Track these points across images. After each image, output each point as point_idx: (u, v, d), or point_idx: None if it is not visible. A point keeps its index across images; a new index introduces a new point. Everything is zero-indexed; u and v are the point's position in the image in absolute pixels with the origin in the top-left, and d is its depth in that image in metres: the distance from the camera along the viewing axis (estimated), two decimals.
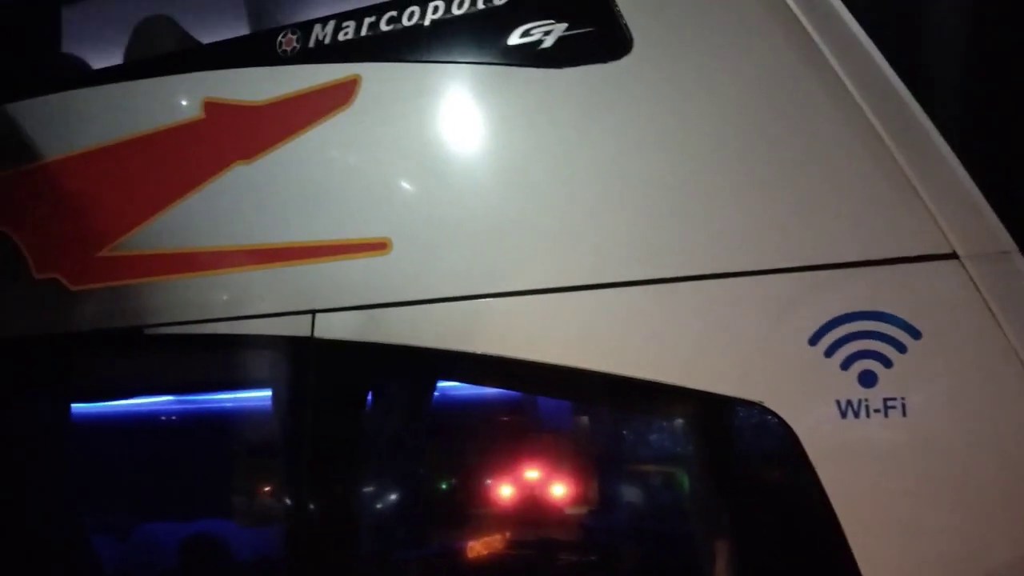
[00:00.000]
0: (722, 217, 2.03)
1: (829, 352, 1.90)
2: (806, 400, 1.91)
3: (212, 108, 2.64)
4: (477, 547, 2.53)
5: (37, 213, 2.87)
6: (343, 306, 2.41)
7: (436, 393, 2.59)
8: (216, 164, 2.59)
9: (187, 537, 3.19)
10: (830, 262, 1.93)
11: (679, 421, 2.19)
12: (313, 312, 2.43)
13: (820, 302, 1.92)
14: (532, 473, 2.50)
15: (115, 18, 3.24)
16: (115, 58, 3.09)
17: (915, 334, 1.85)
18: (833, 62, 1.97)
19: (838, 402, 1.87)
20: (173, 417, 3.31)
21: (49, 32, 3.26)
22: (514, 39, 2.29)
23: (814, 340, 1.91)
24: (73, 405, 3.04)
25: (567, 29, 2.23)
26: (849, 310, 1.90)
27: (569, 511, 2.51)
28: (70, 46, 3.36)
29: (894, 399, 1.84)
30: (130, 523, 3.26)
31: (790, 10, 2.03)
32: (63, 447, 3.06)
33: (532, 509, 2.43)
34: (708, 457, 2.13)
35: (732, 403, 1.98)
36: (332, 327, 2.41)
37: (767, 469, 2.05)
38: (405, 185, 2.43)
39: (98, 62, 3.28)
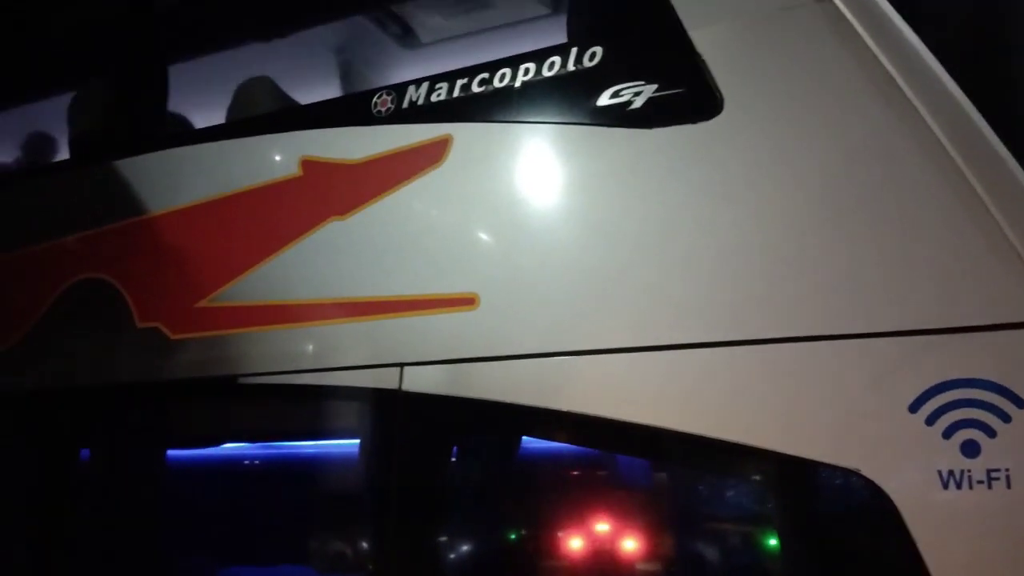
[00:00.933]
0: (818, 279, 2.00)
1: (930, 420, 1.84)
2: (906, 469, 1.85)
3: (309, 166, 2.74)
4: None
5: (141, 264, 3.01)
6: (431, 360, 2.45)
7: (524, 448, 2.59)
8: (312, 220, 2.68)
9: None
10: (932, 327, 1.88)
11: (771, 486, 2.14)
12: (402, 365, 2.47)
13: (921, 368, 1.87)
14: (619, 535, 2.47)
15: (217, 80, 3.40)
16: (217, 117, 3.24)
17: (1020, 403, 1.79)
18: (932, 124, 1.94)
19: (940, 472, 1.81)
20: (262, 464, 3.38)
21: (156, 93, 3.43)
22: (604, 100, 2.32)
23: (915, 407, 1.85)
24: (169, 451, 3.14)
25: (657, 90, 2.25)
26: (951, 377, 1.84)
27: (650, 569, 2.46)
28: (175, 106, 3.53)
29: (998, 470, 1.77)
30: (217, 568, 3.31)
31: (886, 70, 2.01)
32: (157, 491, 3.15)
33: (619, 572, 2.39)
34: (801, 525, 2.07)
35: (827, 469, 1.93)
36: (420, 380, 2.44)
37: (863, 539, 1.97)
38: (493, 242, 2.47)
39: (201, 121, 3.45)
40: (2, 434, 3.18)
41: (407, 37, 3.96)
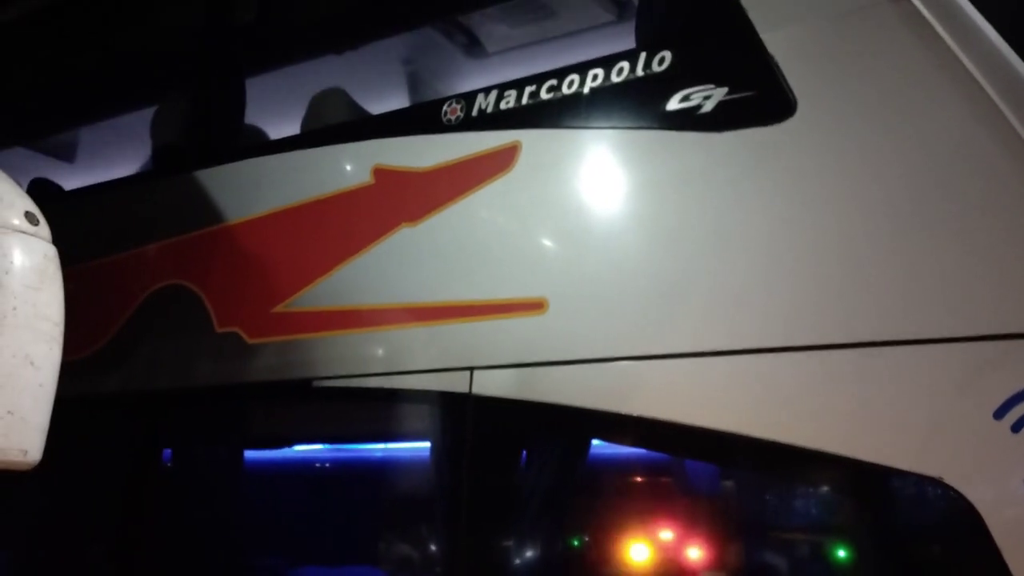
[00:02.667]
0: (900, 283, 1.96)
1: (1017, 427, 1.78)
2: (990, 477, 1.80)
3: (381, 174, 2.80)
4: None
5: (220, 271, 3.10)
6: (500, 364, 2.47)
7: (593, 453, 2.59)
8: (383, 227, 2.73)
9: None
10: (1018, 331, 1.82)
11: (848, 495, 2.10)
12: (471, 369, 2.50)
13: (1007, 374, 1.81)
14: (689, 543, 2.44)
15: (293, 91, 3.50)
16: (293, 129, 3.33)
17: None
18: (1016, 123, 1.89)
19: None
20: (334, 467, 3.44)
21: (234, 106, 3.54)
22: (673, 104, 2.32)
23: (999, 414, 1.79)
24: (245, 452, 3.22)
25: (728, 93, 2.24)
26: None
27: None
28: (253, 118, 3.64)
29: None
30: (289, 568, 3.37)
31: (966, 69, 1.96)
32: (234, 491, 3.23)
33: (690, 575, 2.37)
34: (879, 535, 2.02)
35: (908, 477, 1.88)
36: (489, 384, 2.46)
37: (945, 549, 1.92)
38: (562, 247, 2.48)
39: (277, 133, 3.55)
40: (87, 436, 3.30)
41: (474, 47, 4.01)
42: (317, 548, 3.30)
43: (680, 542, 2.50)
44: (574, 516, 2.67)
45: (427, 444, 2.71)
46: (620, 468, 2.71)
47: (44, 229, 1.65)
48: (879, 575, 2.03)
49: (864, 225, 2.03)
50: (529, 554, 2.53)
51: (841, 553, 2.23)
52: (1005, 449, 1.78)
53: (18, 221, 1.61)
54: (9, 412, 1.52)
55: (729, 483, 2.45)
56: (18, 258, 1.58)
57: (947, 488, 1.82)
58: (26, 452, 1.56)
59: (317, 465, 3.45)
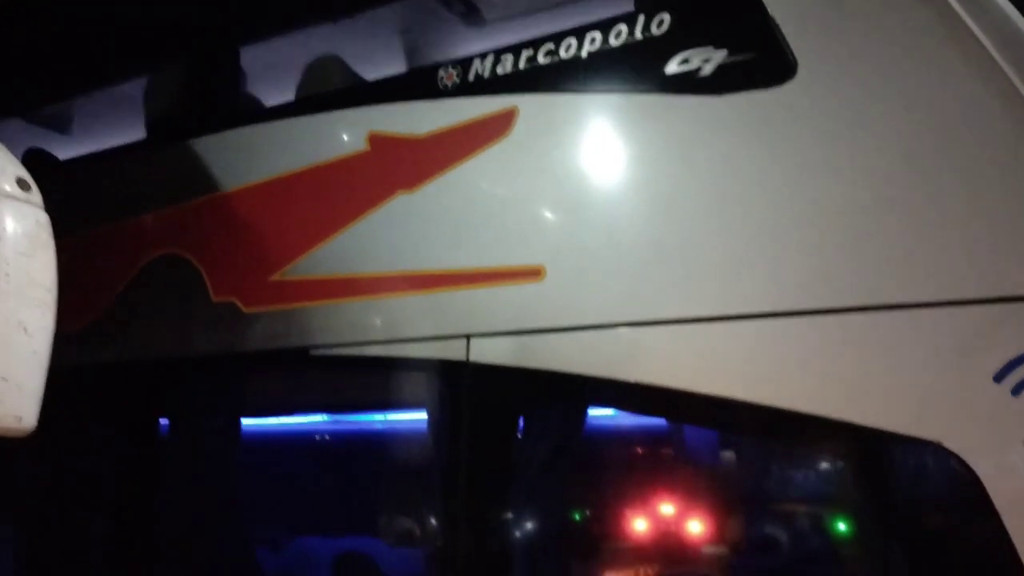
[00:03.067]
0: (900, 247, 1.94)
1: (1017, 390, 1.77)
2: (990, 441, 1.79)
3: (376, 141, 2.77)
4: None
5: (216, 240, 3.08)
6: (498, 331, 2.45)
7: (591, 421, 2.59)
8: (380, 194, 2.71)
9: (340, 553, 3.29)
10: (1018, 294, 1.81)
11: (846, 459, 2.09)
12: (468, 337, 2.49)
13: (1007, 337, 1.81)
14: (690, 509, 2.45)
15: (288, 60, 3.45)
16: (288, 96, 3.29)
17: None
18: (1017, 83, 1.86)
19: None
20: (331, 437, 3.45)
21: (228, 74, 3.50)
22: (672, 67, 2.29)
23: (999, 377, 1.79)
24: (242, 421, 3.21)
25: (727, 56, 2.21)
26: None
27: (723, 548, 2.43)
28: (248, 85, 3.60)
29: None
30: (287, 537, 3.39)
31: (970, 31, 1.93)
32: (232, 460, 3.24)
33: (690, 545, 2.37)
34: (878, 499, 2.02)
35: (906, 442, 1.88)
36: (487, 352, 2.45)
37: (944, 514, 1.92)
38: (560, 213, 2.46)
39: (272, 100, 3.51)
40: (84, 406, 3.30)
41: (471, 15, 3.96)
42: (315, 517, 3.31)
43: (679, 509, 2.51)
44: (573, 484, 2.67)
45: (424, 413, 2.70)
46: (618, 437, 2.71)
47: (36, 195, 1.63)
48: (877, 540, 2.02)
49: (864, 189, 2.01)
50: (528, 522, 2.53)
51: (839, 518, 2.23)
52: (1005, 412, 1.77)
53: (9, 187, 1.59)
54: (3, 378, 1.51)
55: (727, 451, 2.45)
56: (10, 225, 1.56)
57: (946, 452, 1.81)
58: (21, 418, 1.55)
59: (315, 435, 3.45)
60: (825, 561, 2.27)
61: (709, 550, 2.41)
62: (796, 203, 2.09)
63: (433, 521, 2.71)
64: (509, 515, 2.48)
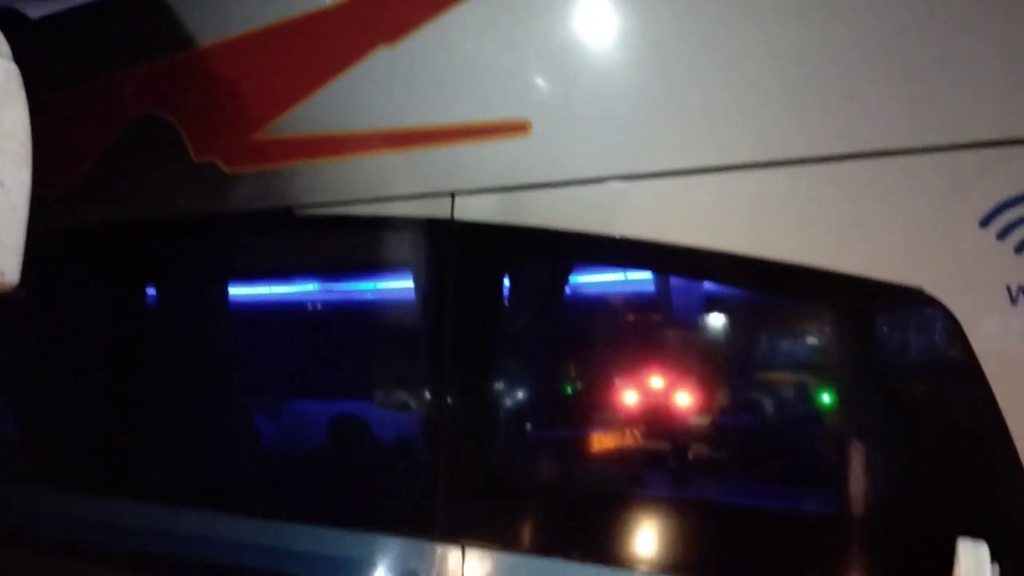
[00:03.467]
0: (885, 92, 1.89)
1: (1002, 234, 1.76)
2: (972, 285, 1.78)
3: None
4: (614, 437, 2.53)
5: (194, 99, 2.99)
6: (483, 188, 2.42)
7: (578, 282, 2.58)
8: (360, 48, 2.61)
9: (333, 416, 3.33)
10: (1008, 138, 1.77)
11: (828, 309, 2.09)
12: (453, 194, 2.45)
13: (994, 181, 1.77)
14: (677, 366, 2.47)
15: None
16: None
17: None
18: None
19: (1008, 288, 1.74)
20: (320, 303, 3.45)
21: None
22: None
23: (986, 221, 1.77)
24: (226, 284, 3.20)
25: None
26: None
27: (703, 407, 2.46)
28: None
29: None
30: (279, 401, 3.43)
31: None
32: (218, 324, 3.24)
33: (675, 401, 2.41)
34: (858, 349, 2.03)
35: (887, 289, 1.87)
36: (472, 209, 2.42)
37: (923, 360, 1.93)
38: (545, 65, 2.37)
39: None
40: (68, 271, 3.29)
41: None
42: (307, 383, 3.35)
43: (664, 368, 2.53)
44: (559, 344, 2.69)
45: (410, 273, 2.69)
46: (603, 299, 2.71)
47: (3, 46, 1.57)
48: (857, 387, 2.04)
49: (849, 34, 1.94)
50: (514, 382, 2.55)
51: (819, 369, 2.25)
52: (989, 257, 1.76)
53: None
54: None
55: (712, 308, 2.45)
56: None
57: (927, 299, 1.81)
58: (3, 273, 1.54)
59: (304, 302, 3.45)
60: (805, 413, 2.31)
61: (694, 409, 2.45)
62: (781, 51, 2.01)
63: (420, 383, 2.73)
64: (496, 376, 2.49)
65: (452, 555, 2.33)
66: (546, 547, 2.24)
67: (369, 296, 3.17)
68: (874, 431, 1.97)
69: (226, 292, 3.15)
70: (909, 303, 1.85)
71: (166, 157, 3.00)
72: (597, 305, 2.69)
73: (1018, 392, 1.74)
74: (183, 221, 2.98)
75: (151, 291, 3.20)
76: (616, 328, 2.66)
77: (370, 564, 2.44)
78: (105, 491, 3.05)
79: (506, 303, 2.54)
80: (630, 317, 2.66)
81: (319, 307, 3.38)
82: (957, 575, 1.24)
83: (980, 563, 1.23)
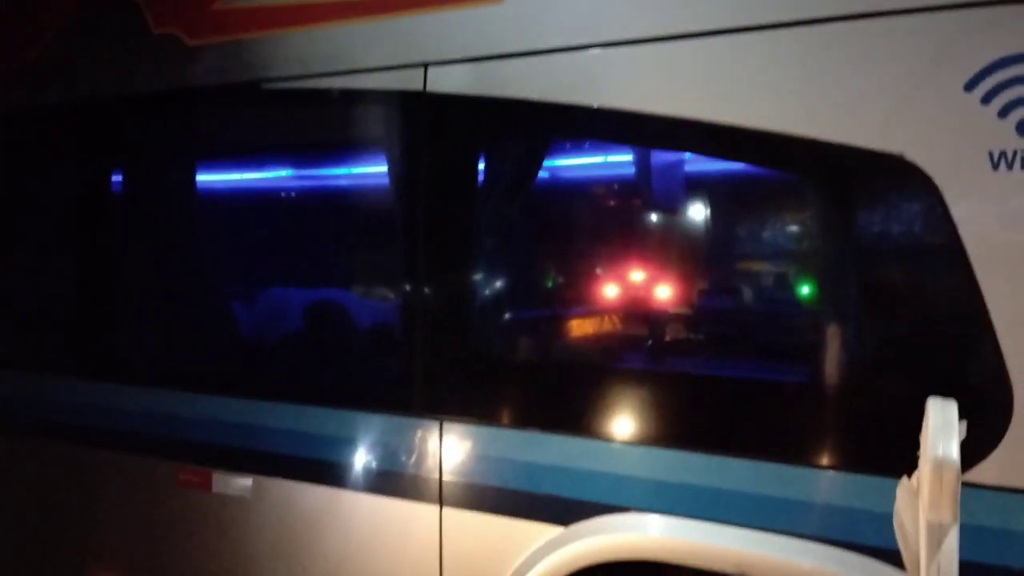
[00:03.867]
0: None
1: (987, 98, 1.72)
2: (954, 151, 1.76)
3: None
4: (590, 314, 2.52)
5: None
6: (456, 58, 2.33)
7: (555, 158, 2.52)
8: None
9: (310, 303, 3.29)
10: None
11: (808, 178, 2.06)
12: (425, 65, 2.36)
13: (981, 44, 1.73)
14: (652, 239, 2.44)
15: None
16: None
17: None
18: None
19: (990, 153, 1.72)
20: (284, 181, 3.35)
21: None
22: None
23: (971, 85, 1.73)
24: (190, 164, 3.10)
25: None
26: (1012, 52, 1.70)
27: (678, 282, 2.44)
28: None
29: None
30: (253, 288, 3.36)
31: None
32: (180, 203, 3.16)
33: (654, 274, 2.38)
34: (837, 218, 2.01)
35: (868, 156, 1.83)
36: (445, 81, 2.34)
37: (902, 229, 1.91)
38: None
39: None
40: (28, 148, 3.18)
41: None
42: (282, 269, 3.29)
43: (641, 245, 2.51)
44: (535, 220, 2.66)
45: (381, 150, 2.61)
46: (582, 179, 2.66)
47: None
48: (836, 256, 2.02)
49: None
50: (489, 261, 2.52)
51: (798, 236, 2.24)
52: (972, 122, 1.73)
53: None
54: None
55: (690, 178, 2.40)
56: None
57: (909, 165, 1.79)
58: None
59: (266, 180, 3.35)
60: (784, 283, 2.29)
61: (669, 283, 2.43)
62: None
63: (395, 263, 2.68)
64: (470, 254, 2.46)
65: (431, 429, 2.36)
66: (522, 420, 2.27)
67: (339, 175, 3.09)
68: (852, 299, 1.98)
69: (190, 173, 3.06)
70: (890, 170, 1.82)
71: (125, 30, 2.87)
72: (574, 182, 2.64)
73: (995, 259, 1.74)
74: (144, 98, 2.87)
75: (113, 173, 3.10)
76: (592, 206, 2.62)
77: (351, 440, 2.48)
78: (80, 374, 3.05)
79: (481, 180, 2.48)
80: (607, 194, 2.62)
81: (287, 189, 3.30)
82: (925, 431, 1.26)
83: (948, 419, 1.24)
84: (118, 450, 2.88)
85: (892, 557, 1.76)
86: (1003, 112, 1.71)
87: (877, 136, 1.81)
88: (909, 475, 1.38)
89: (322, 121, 2.71)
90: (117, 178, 3.10)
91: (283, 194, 3.32)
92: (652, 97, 2.07)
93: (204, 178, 3.14)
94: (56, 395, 3.07)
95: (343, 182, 3.07)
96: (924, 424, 1.30)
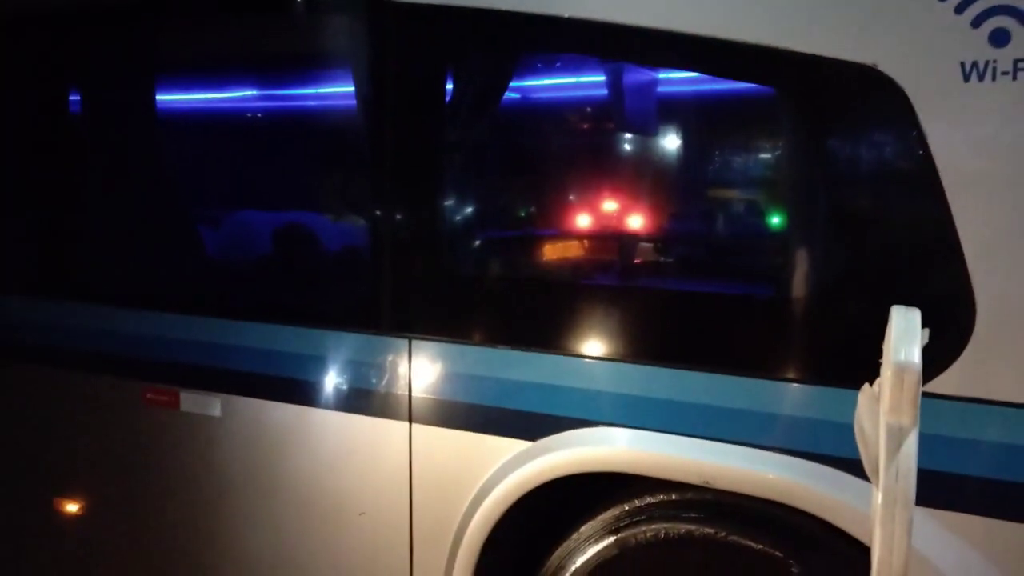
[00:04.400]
0: None
1: (960, 7, 1.69)
2: (927, 61, 1.73)
3: None
4: (559, 232, 2.50)
5: None
6: None
7: (525, 75, 2.47)
8: None
9: (279, 226, 3.24)
10: None
11: (779, 91, 2.03)
12: None
13: None
14: (623, 155, 2.41)
15: None
16: None
17: None
18: None
19: (963, 64, 1.70)
20: (245, 100, 3.25)
21: None
22: None
23: None
24: (149, 78, 3.01)
25: None
26: None
27: (649, 197, 2.42)
28: None
29: None
30: (222, 211, 3.29)
31: None
32: (151, 129, 3.08)
33: (625, 190, 2.36)
34: (807, 131, 1.99)
35: (840, 67, 1.81)
36: None
37: (872, 141, 1.90)
38: None
39: None
40: None
41: None
42: (250, 193, 3.22)
43: (612, 162, 2.48)
44: (505, 138, 2.61)
45: (346, 62, 2.53)
46: (553, 98, 2.61)
47: None
48: (806, 169, 2.01)
49: None
50: (456, 179, 2.48)
51: (767, 148, 2.22)
52: (946, 31, 1.70)
53: None
54: None
55: (662, 97, 2.36)
56: None
57: (880, 76, 1.77)
58: None
59: (226, 100, 3.25)
60: (754, 196, 2.27)
61: (640, 198, 2.41)
62: None
63: (361, 182, 2.63)
64: (438, 172, 2.41)
65: (400, 347, 2.35)
66: (491, 337, 2.27)
67: (304, 93, 3.00)
68: (820, 212, 1.97)
69: (150, 90, 2.96)
70: (861, 82, 1.80)
71: None
72: (544, 100, 2.59)
73: (964, 171, 1.73)
74: (102, 12, 2.75)
75: (73, 89, 2.99)
76: (562, 123, 2.58)
77: (320, 359, 2.47)
78: (44, 293, 3.00)
79: (449, 96, 2.42)
80: (577, 112, 2.57)
81: (252, 105, 3.20)
82: (889, 337, 1.26)
83: (911, 325, 1.25)
84: (84, 370, 2.86)
85: (854, 467, 1.82)
86: (976, 22, 1.68)
87: (851, 48, 1.79)
88: (871, 383, 1.39)
89: (283, 34, 2.62)
90: (77, 95, 3.00)
91: (248, 110, 3.22)
92: (624, 6, 2.01)
93: (165, 96, 3.05)
94: (20, 315, 3.03)
95: (309, 100, 2.98)
96: (888, 331, 1.30)
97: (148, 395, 2.72)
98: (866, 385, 1.39)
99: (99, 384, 2.83)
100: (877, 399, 1.30)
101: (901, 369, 1.19)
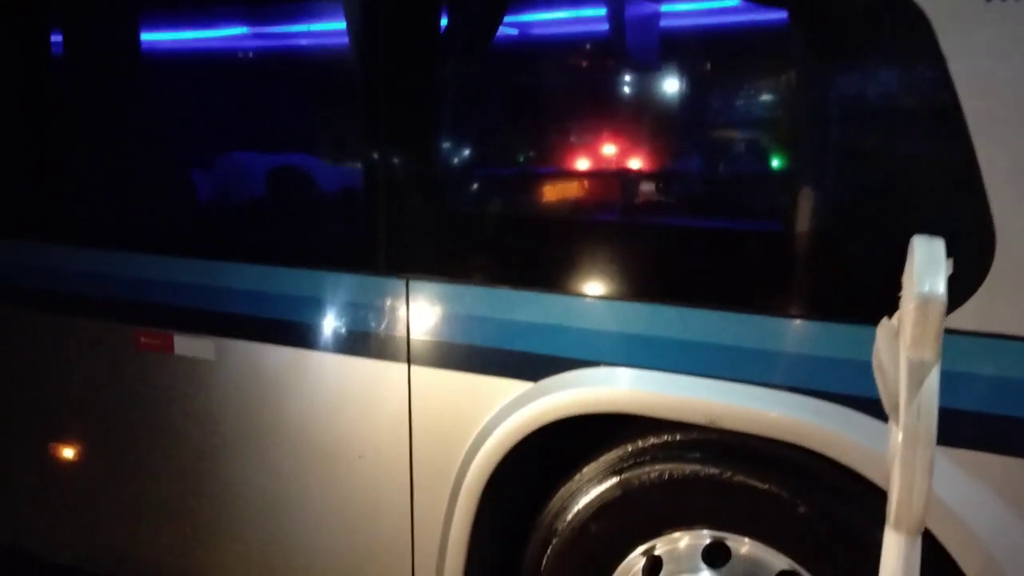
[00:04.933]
0: None
1: None
2: None
3: None
4: (558, 172, 2.41)
5: None
6: None
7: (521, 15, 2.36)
8: None
9: (273, 168, 3.16)
10: None
11: (787, 16, 1.93)
12: None
13: None
14: (624, 93, 2.31)
15: None
16: None
17: None
18: None
19: None
20: (244, 38, 3.14)
21: None
22: None
23: None
24: (135, 17, 2.90)
25: None
26: None
27: (652, 132, 2.33)
28: None
29: None
30: (216, 153, 3.21)
31: None
32: (132, 59, 2.98)
33: (626, 128, 2.27)
34: (820, 51, 1.89)
35: None
36: None
37: (889, 63, 1.81)
38: None
39: None
40: None
41: None
42: (244, 135, 3.13)
43: (612, 101, 2.38)
44: (502, 75, 2.51)
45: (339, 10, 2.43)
46: (548, 35, 2.50)
47: None
48: (819, 95, 1.92)
49: None
50: (452, 118, 2.38)
51: (779, 72, 2.12)
52: None
53: None
54: None
55: (664, 29, 2.25)
56: None
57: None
58: None
59: (226, 38, 3.13)
60: (766, 119, 2.17)
61: (642, 133, 2.32)
62: None
63: (356, 120, 2.53)
64: (433, 111, 2.31)
65: (397, 288, 2.29)
66: (490, 277, 2.21)
67: (294, 31, 2.88)
68: (835, 138, 1.89)
69: (136, 28, 2.85)
70: (882, 2, 1.71)
71: None
72: (542, 34, 2.48)
73: (983, 95, 1.65)
74: None
75: (60, 28, 2.88)
76: (563, 58, 2.47)
77: (317, 300, 2.41)
78: (35, 237, 2.93)
79: (444, 30, 2.32)
80: (575, 45, 2.46)
81: (244, 44, 3.08)
82: (910, 269, 1.20)
83: (935, 256, 1.18)
84: (76, 314, 2.80)
85: (862, 404, 1.77)
86: None
87: None
88: (890, 316, 1.33)
89: None
90: (63, 34, 2.89)
91: (240, 48, 3.11)
92: None
93: (153, 34, 2.94)
94: (11, 259, 2.96)
95: (302, 37, 2.86)
96: (908, 262, 1.24)
97: (142, 339, 2.66)
98: (885, 319, 1.33)
99: (92, 328, 2.78)
100: (897, 334, 1.23)
101: (925, 301, 1.13)
